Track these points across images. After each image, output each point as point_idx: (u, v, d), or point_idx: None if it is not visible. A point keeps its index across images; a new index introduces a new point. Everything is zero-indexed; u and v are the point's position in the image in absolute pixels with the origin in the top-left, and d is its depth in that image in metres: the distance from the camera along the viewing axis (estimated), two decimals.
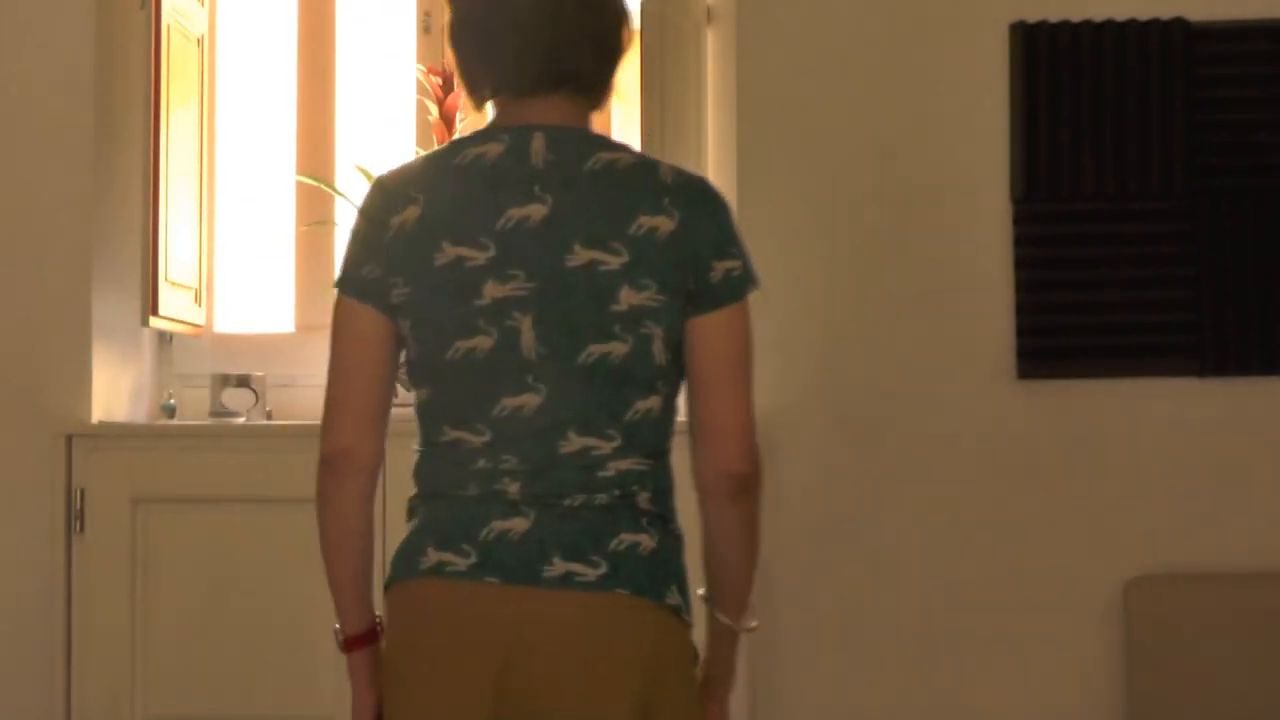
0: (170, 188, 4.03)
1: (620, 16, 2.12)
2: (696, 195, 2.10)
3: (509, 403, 2.01)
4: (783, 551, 3.86)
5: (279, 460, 3.71)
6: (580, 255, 2.00)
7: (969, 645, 3.85)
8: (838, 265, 3.92)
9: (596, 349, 2.00)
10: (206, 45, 4.30)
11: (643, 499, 2.05)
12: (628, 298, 2.00)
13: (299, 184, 4.30)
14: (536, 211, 2.01)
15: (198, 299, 4.22)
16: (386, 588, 2.10)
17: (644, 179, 2.05)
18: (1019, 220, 3.89)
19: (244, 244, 4.46)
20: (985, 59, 3.91)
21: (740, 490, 2.07)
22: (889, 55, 3.93)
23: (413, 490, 2.12)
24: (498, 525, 2.01)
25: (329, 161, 4.29)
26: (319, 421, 2.15)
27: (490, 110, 2.13)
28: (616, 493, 2.03)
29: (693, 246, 2.05)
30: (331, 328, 2.10)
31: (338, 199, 4.17)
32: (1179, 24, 3.88)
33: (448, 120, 4.13)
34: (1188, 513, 3.84)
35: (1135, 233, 3.86)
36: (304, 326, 4.28)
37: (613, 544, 2.01)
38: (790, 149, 3.94)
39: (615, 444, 2.03)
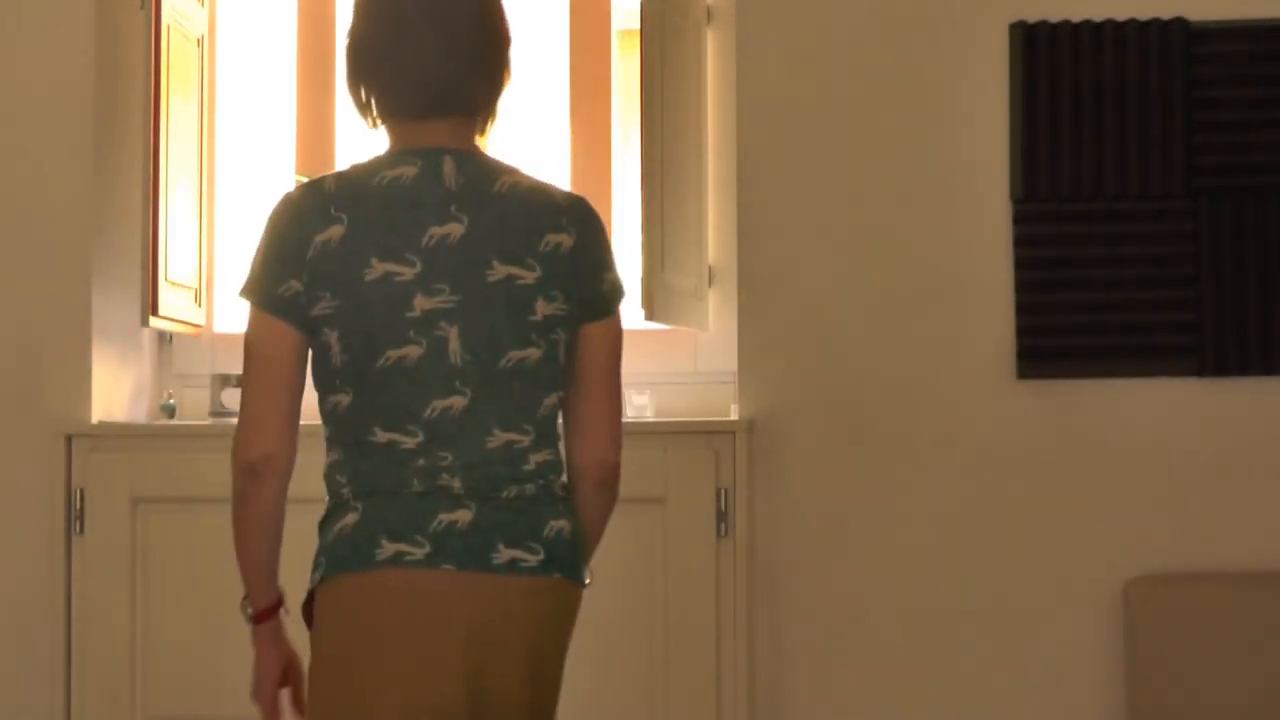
0: (170, 188, 4.03)
1: (507, 43, 2.32)
2: (585, 214, 2.30)
3: (439, 404, 2.20)
4: (783, 551, 3.86)
5: None
6: (499, 270, 2.21)
7: (969, 645, 3.85)
8: (838, 265, 3.92)
9: (515, 354, 2.22)
10: (206, 45, 4.30)
11: (557, 486, 2.29)
12: (542, 309, 2.23)
13: (298, 184, 4.30)
14: (455, 230, 2.21)
15: (198, 299, 4.22)
16: (325, 579, 2.24)
17: (544, 200, 2.27)
18: (1019, 220, 3.89)
19: (244, 244, 4.45)
20: (985, 59, 3.91)
21: (608, 480, 2.33)
22: (889, 55, 3.93)
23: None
24: (444, 517, 2.19)
25: (328, 161, 4.28)
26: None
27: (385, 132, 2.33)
28: (540, 482, 2.25)
29: (587, 261, 2.28)
30: (248, 342, 2.24)
31: None
32: (1179, 24, 3.88)
33: None
34: (1188, 513, 3.84)
35: (1135, 233, 3.86)
36: None
37: (545, 531, 2.24)
38: (790, 149, 3.94)
39: (531, 438, 2.25)
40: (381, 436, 2.21)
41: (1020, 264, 3.88)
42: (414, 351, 2.19)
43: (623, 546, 3.80)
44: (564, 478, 2.31)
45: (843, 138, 3.93)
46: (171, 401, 4.20)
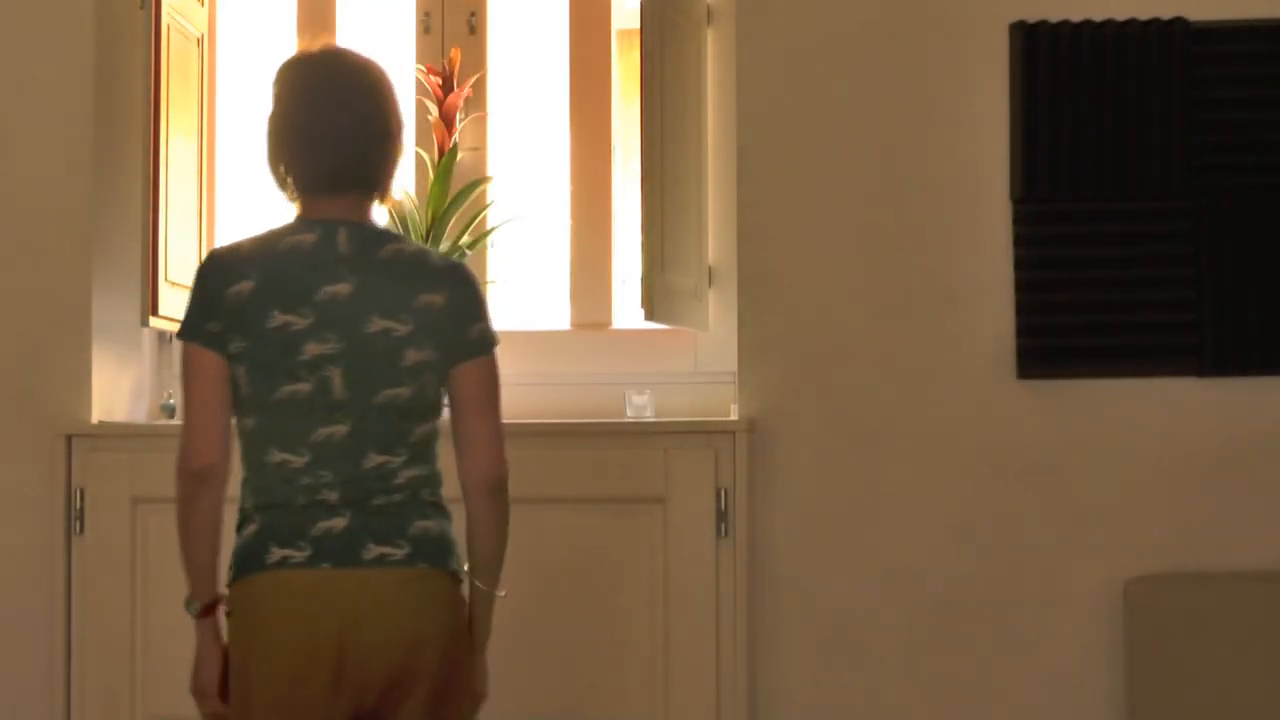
0: (170, 188, 4.03)
1: (401, 128, 2.73)
2: (459, 277, 2.72)
3: (323, 431, 2.63)
4: (783, 551, 3.86)
5: None
6: (378, 324, 2.64)
7: (969, 645, 3.85)
8: (838, 265, 3.92)
9: (388, 392, 2.64)
10: (206, 45, 4.30)
11: (425, 494, 2.68)
12: (412, 356, 2.65)
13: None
14: (344, 289, 2.64)
15: None
16: (231, 583, 2.67)
17: (422, 265, 2.70)
18: (1019, 220, 3.89)
19: None
20: (985, 59, 3.92)
21: (495, 488, 2.71)
22: (889, 55, 3.93)
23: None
24: (323, 525, 2.62)
25: None
26: None
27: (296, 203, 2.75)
28: (409, 493, 2.66)
29: (456, 315, 2.69)
30: (183, 370, 2.70)
31: None
32: (1179, 24, 3.88)
33: (447, 120, 4.13)
34: (1188, 513, 3.84)
35: (1135, 233, 3.86)
36: None
37: (411, 530, 2.64)
38: (790, 149, 3.94)
39: (404, 458, 2.66)
40: (276, 456, 2.64)
41: (1020, 264, 3.88)
42: (304, 388, 2.63)
43: (623, 546, 3.83)
44: (437, 490, 2.70)
45: (843, 138, 3.93)
46: (171, 401, 4.21)
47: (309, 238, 2.67)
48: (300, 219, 2.71)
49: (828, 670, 3.86)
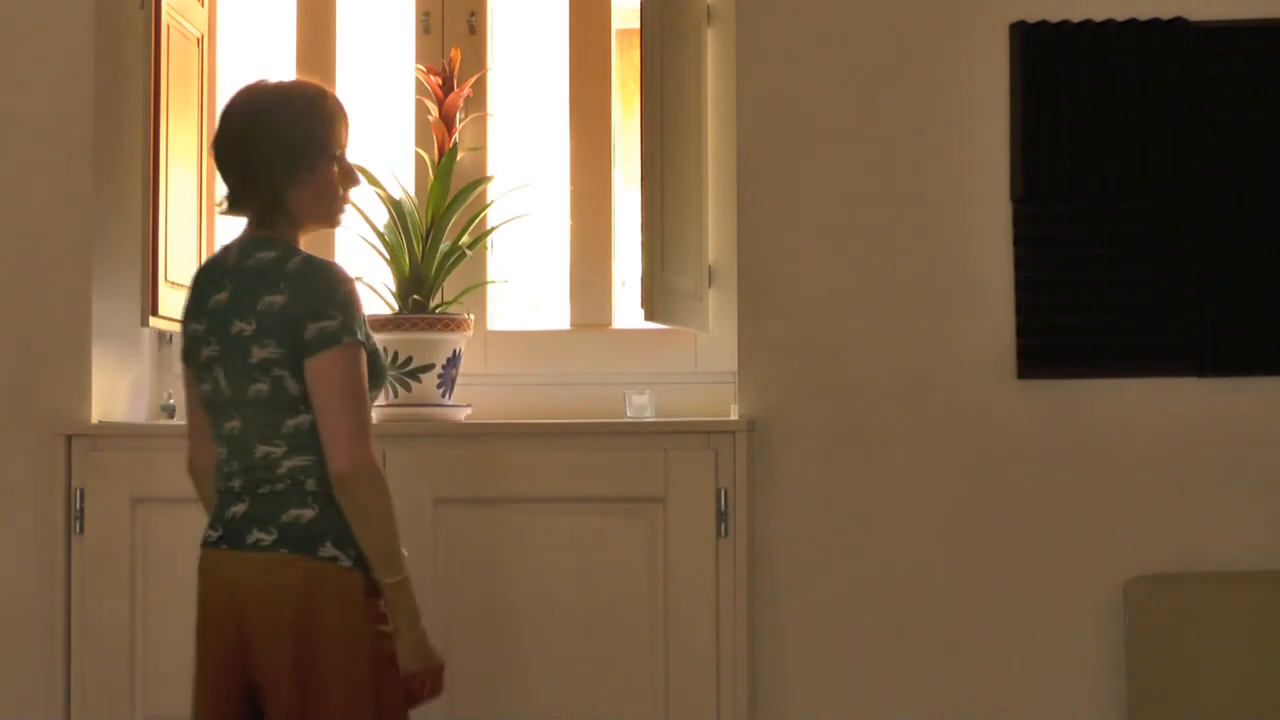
0: (170, 188, 4.02)
1: (291, 147, 2.97)
2: (308, 278, 2.92)
3: (226, 426, 2.98)
4: (783, 551, 3.86)
5: None
6: (237, 326, 2.93)
7: (969, 645, 3.85)
8: (838, 265, 3.92)
9: (252, 388, 2.93)
10: (206, 45, 4.30)
11: (309, 484, 2.93)
12: (258, 353, 2.91)
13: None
14: (223, 297, 2.97)
15: None
16: None
17: (275, 270, 2.93)
18: (1019, 220, 3.89)
19: None
20: (985, 59, 3.91)
21: (341, 485, 2.88)
22: (889, 55, 3.93)
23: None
24: (230, 510, 2.97)
25: None
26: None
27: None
28: (290, 482, 2.92)
29: (294, 314, 2.89)
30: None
31: None
32: (1179, 24, 3.88)
33: (447, 120, 4.13)
34: (1188, 513, 3.84)
35: (1135, 233, 3.86)
36: None
37: (284, 518, 2.91)
38: (790, 149, 3.94)
39: (284, 449, 2.92)
40: (217, 449, 3.01)
41: (1020, 264, 3.88)
42: (206, 388, 3.01)
43: (623, 546, 3.82)
44: (318, 478, 2.92)
45: (843, 137, 3.93)
46: (171, 401, 4.20)
47: (221, 252, 3.05)
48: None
49: (828, 670, 3.86)
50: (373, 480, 2.89)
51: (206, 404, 3.02)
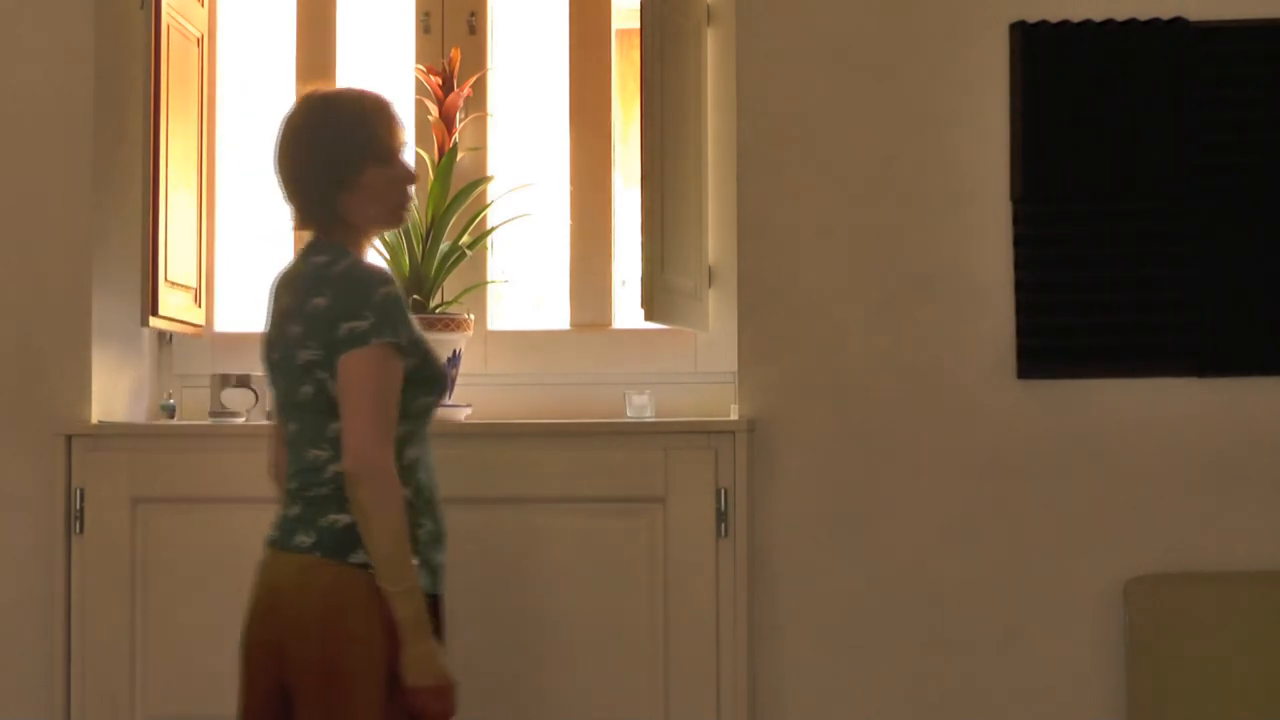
0: (170, 188, 4.03)
1: (332, 161, 3.00)
2: (349, 283, 2.94)
3: (288, 429, 3.02)
4: (783, 550, 3.86)
5: None
6: (291, 330, 2.97)
7: (969, 644, 3.85)
8: (838, 265, 3.92)
9: (301, 391, 2.95)
10: (206, 45, 4.30)
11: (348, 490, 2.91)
12: (304, 356, 2.94)
13: None
14: (283, 304, 3.02)
15: (197, 299, 4.22)
16: None
17: (323, 273, 2.96)
18: (1019, 220, 3.89)
19: (244, 244, 4.45)
20: (985, 59, 3.92)
21: (349, 483, 2.88)
22: (889, 55, 3.93)
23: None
24: (287, 511, 3.00)
25: None
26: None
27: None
28: (333, 486, 2.93)
29: (332, 316, 2.91)
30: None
31: None
32: (1179, 24, 3.88)
33: (448, 120, 4.13)
34: (1188, 513, 3.84)
35: (1135, 232, 3.86)
36: None
37: (322, 522, 2.93)
38: (790, 149, 3.94)
39: (329, 454, 2.94)
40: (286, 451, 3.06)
41: (1020, 264, 3.88)
42: (273, 392, 3.06)
43: (623, 546, 3.82)
44: None
45: (843, 138, 3.93)
46: (171, 401, 4.21)
47: (292, 259, 3.10)
48: None
49: (828, 670, 3.86)
50: (378, 484, 2.87)
51: (276, 407, 3.08)
